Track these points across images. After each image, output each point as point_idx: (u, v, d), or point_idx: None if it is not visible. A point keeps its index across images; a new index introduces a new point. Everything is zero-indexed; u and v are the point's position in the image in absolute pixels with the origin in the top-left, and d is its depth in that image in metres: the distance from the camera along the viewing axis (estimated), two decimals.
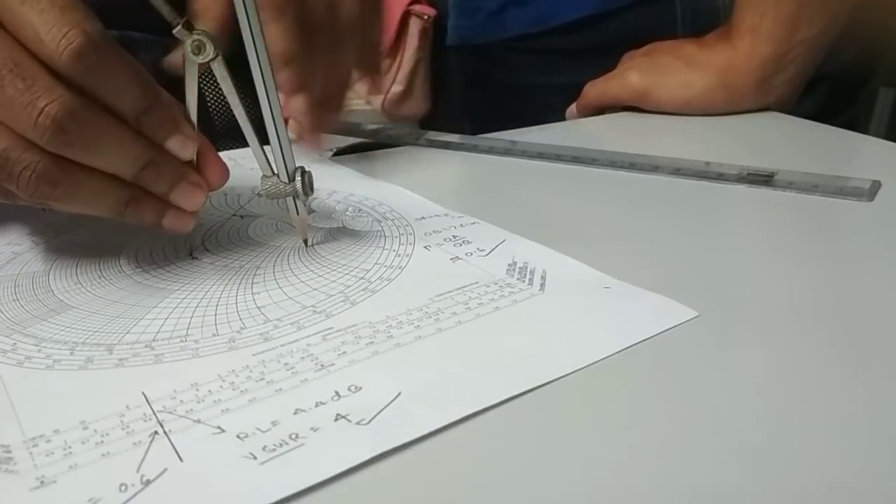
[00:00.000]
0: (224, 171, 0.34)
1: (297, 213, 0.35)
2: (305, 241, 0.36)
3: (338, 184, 0.44)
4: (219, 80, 0.32)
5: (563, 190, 0.43)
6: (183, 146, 0.32)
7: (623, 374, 0.25)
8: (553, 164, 0.47)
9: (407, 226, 0.38)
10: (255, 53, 0.31)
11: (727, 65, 0.54)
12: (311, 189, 0.35)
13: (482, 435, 0.23)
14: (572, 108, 0.61)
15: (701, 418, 0.23)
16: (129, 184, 0.31)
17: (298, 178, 0.34)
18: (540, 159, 0.47)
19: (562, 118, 0.62)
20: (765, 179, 0.42)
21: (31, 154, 0.28)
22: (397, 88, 1.65)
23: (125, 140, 0.30)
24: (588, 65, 0.61)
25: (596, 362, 0.26)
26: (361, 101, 1.77)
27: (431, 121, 1.69)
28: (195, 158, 0.33)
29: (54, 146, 0.28)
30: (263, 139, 0.33)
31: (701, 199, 0.41)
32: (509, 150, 0.49)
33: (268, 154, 0.34)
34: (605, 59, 0.60)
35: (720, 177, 0.43)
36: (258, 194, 0.34)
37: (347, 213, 0.40)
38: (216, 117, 0.58)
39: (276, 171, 0.34)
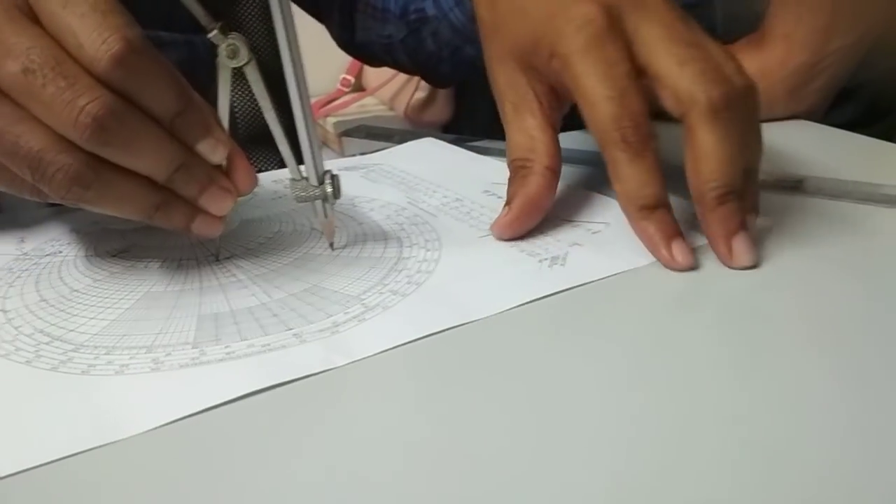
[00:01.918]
0: (252, 176, 0.35)
1: (325, 217, 0.37)
2: (332, 245, 0.38)
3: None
4: (251, 84, 0.33)
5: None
6: (214, 150, 0.33)
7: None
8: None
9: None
10: (288, 56, 0.32)
11: (759, 71, 0.54)
12: (339, 193, 0.36)
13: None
14: None
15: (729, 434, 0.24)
16: (160, 187, 0.32)
17: (328, 181, 0.36)
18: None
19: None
20: (794, 185, 0.43)
21: (65, 156, 0.30)
22: (420, 95, 1.67)
23: (160, 142, 0.31)
24: None
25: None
26: (384, 106, 1.79)
27: (454, 127, 1.70)
28: (224, 163, 0.34)
29: (92, 145, 0.30)
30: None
31: None
32: None
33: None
34: None
35: (762, 185, 0.43)
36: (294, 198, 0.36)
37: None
38: (240, 123, 0.60)
39: (304, 175, 0.36)
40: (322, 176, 0.35)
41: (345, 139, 0.79)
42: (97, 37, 0.29)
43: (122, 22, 0.29)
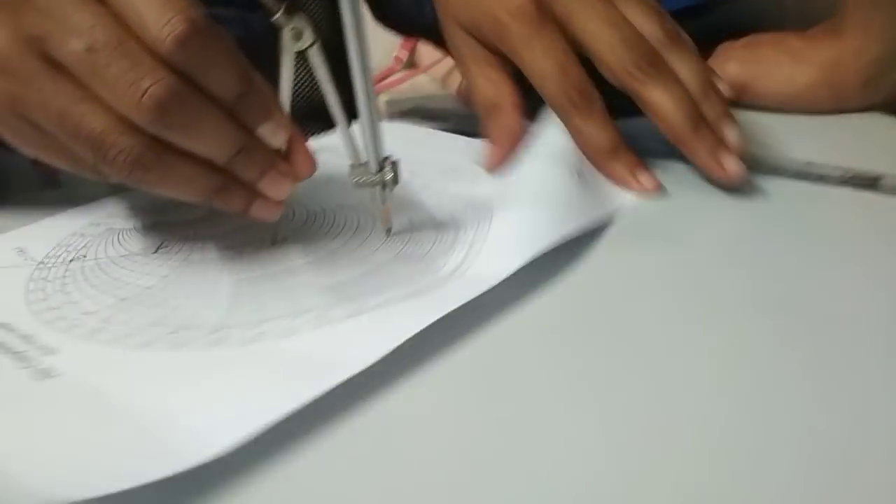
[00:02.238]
0: (312, 161, 0.35)
1: (383, 203, 0.36)
2: (388, 231, 0.37)
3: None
4: (314, 68, 0.33)
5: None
6: (274, 133, 0.33)
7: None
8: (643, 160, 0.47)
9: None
10: (354, 38, 0.32)
11: (834, 61, 0.52)
12: (398, 179, 0.36)
13: None
14: None
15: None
16: (220, 171, 0.32)
17: (388, 167, 0.35)
18: None
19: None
20: (870, 183, 0.41)
21: (126, 138, 0.30)
22: None
23: (222, 124, 0.31)
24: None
25: None
26: (437, 84, 1.78)
27: None
28: (284, 147, 0.34)
29: (155, 127, 0.30)
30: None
31: (799, 200, 0.40)
32: None
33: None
34: (703, 50, 0.59)
35: (821, 178, 0.42)
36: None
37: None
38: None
39: (363, 161, 0.35)
40: (382, 162, 0.35)
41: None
42: (161, 17, 0.29)
43: (186, 3, 0.29)
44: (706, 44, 0.60)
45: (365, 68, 0.33)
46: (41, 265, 0.36)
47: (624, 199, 0.40)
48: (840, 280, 0.32)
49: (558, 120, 0.42)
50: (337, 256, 0.35)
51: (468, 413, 0.25)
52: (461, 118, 0.55)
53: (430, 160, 0.47)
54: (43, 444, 0.23)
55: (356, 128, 0.34)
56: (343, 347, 0.27)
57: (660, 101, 0.40)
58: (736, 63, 0.55)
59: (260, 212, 0.34)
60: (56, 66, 0.30)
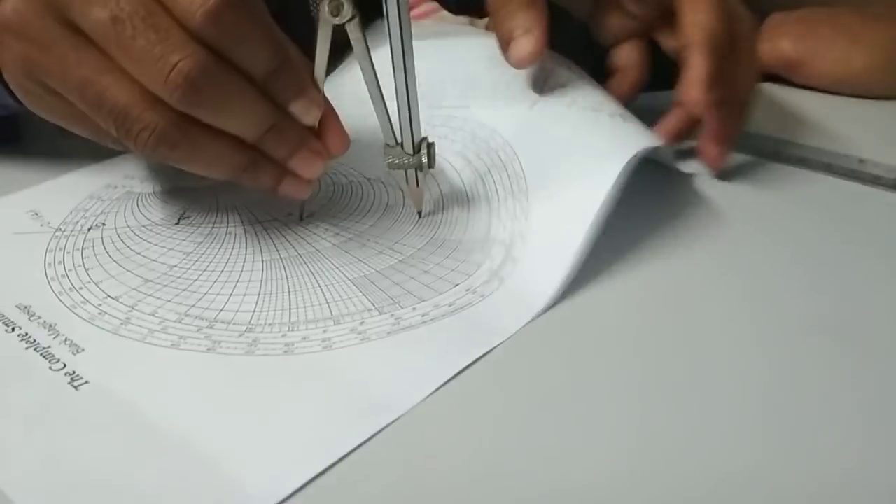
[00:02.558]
0: (345, 138, 0.33)
1: (417, 185, 0.35)
2: (420, 213, 0.36)
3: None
4: (352, 42, 0.31)
5: (691, 179, 0.41)
6: (307, 110, 0.31)
7: None
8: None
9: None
10: (396, 12, 0.30)
11: (894, 43, 0.50)
12: (434, 162, 0.34)
13: None
14: None
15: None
16: (249, 147, 0.31)
17: (424, 150, 0.34)
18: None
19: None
20: None
21: (151, 113, 0.28)
22: None
23: (253, 101, 0.30)
24: None
25: None
26: (465, 18, 1.73)
27: None
28: (316, 124, 0.32)
29: (183, 104, 0.28)
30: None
31: (848, 204, 0.38)
32: None
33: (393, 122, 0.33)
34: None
35: (875, 180, 0.40)
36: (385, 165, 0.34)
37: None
38: None
39: (399, 141, 0.34)
40: (419, 144, 0.33)
41: None
42: None
43: None
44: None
45: (405, 44, 0.31)
46: (58, 232, 0.34)
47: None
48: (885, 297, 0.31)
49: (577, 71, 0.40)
50: (366, 239, 0.34)
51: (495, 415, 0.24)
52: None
53: (450, 79, 0.43)
54: (80, 466, 0.22)
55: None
56: (390, 379, 0.26)
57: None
58: (790, 40, 0.52)
59: (290, 190, 0.33)
60: (78, 33, 0.28)
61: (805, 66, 0.52)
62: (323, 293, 0.30)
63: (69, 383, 0.25)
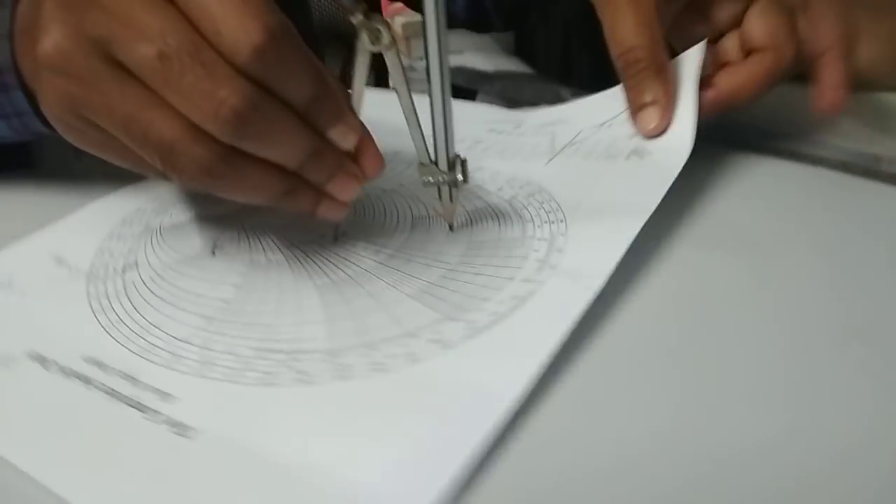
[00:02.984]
0: (380, 161, 0.34)
1: (451, 201, 0.36)
2: (451, 227, 0.37)
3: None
4: (390, 69, 0.32)
5: (705, 179, 0.41)
6: (345, 137, 0.32)
7: None
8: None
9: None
10: (435, 30, 0.31)
11: None
12: (468, 178, 0.35)
13: None
14: None
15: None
16: (289, 174, 0.32)
17: (458, 167, 0.35)
18: None
19: None
20: None
21: (197, 148, 0.29)
22: None
23: (296, 130, 0.30)
24: None
25: None
26: None
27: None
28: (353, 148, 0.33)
29: (231, 138, 0.29)
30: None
31: (864, 204, 0.39)
32: None
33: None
34: None
35: (893, 178, 0.40)
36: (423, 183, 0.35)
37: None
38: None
39: (433, 160, 0.35)
40: (452, 160, 0.35)
41: (414, 41, 0.75)
42: (237, 24, 0.27)
43: (264, 8, 0.28)
44: None
45: (442, 63, 0.32)
46: (92, 277, 0.34)
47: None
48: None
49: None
50: (407, 255, 0.35)
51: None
52: (506, 82, 0.53)
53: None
54: None
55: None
56: (488, 374, 0.27)
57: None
58: None
59: (327, 212, 0.34)
60: (122, 69, 0.28)
61: None
62: (388, 312, 0.31)
63: (175, 433, 0.25)
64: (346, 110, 0.32)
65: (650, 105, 0.40)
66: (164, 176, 0.31)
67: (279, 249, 0.36)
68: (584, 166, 0.40)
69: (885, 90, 0.53)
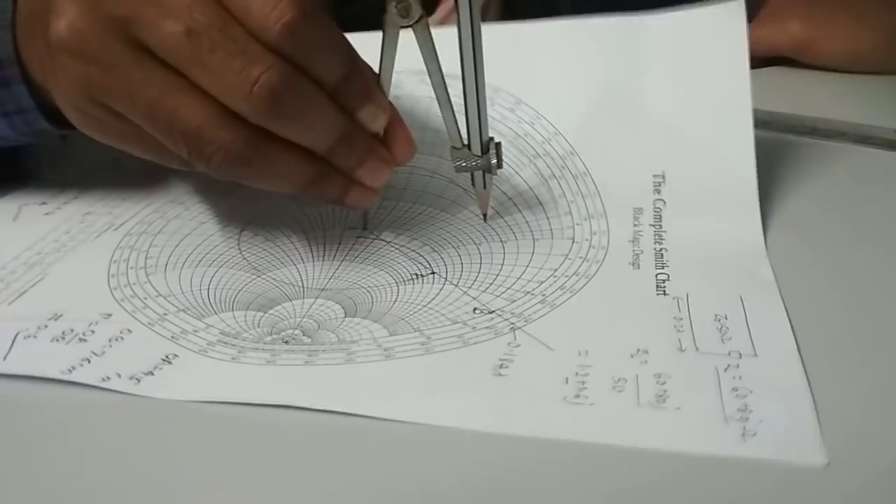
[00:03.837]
0: (412, 145, 0.33)
1: (484, 188, 0.35)
2: (485, 216, 0.36)
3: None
4: (419, 44, 0.31)
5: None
6: (374, 117, 0.31)
7: None
8: None
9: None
10: (468, 10, 0.30)
11: None
12: (502, 163, 0.34)
13: None
14: None
15: None
16: (318, 160, 0.30)
17: (492, 150, 0.33)
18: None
19: None
20: None
21: (225, 132, 0.28)
22: None
23: (327, 111, 0.29)
24: None
25: None
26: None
27: None
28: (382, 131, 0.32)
29: (265, 118, 0.28)
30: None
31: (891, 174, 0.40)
32: None
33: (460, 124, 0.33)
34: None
35: None
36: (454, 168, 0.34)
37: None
38: None
39: (465, 143, 0.33)
40: (486, 145, 0.33)
41: None
42: (266, 2, 0.26)
43: None
44: None
45: (476, 45, 0.31)
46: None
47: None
48: None
49: None
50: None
51: None
52: None
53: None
54: None
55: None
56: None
57: None
58: (798, 21, 0.54)
59: (357, 200, 0.32)
60: (143, 51, 0.27)
61: (815, 46, 0.53)
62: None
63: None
64: (375, 90, 0.31)
65: None
66: (189, 165, 0.30)
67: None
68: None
69: (887, 73, 0.53)
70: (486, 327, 0.28)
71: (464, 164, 0.34)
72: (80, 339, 0.28)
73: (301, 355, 0.27)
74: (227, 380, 0.26)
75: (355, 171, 0.31)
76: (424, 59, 0.31)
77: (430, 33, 0.31)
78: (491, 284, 0.31)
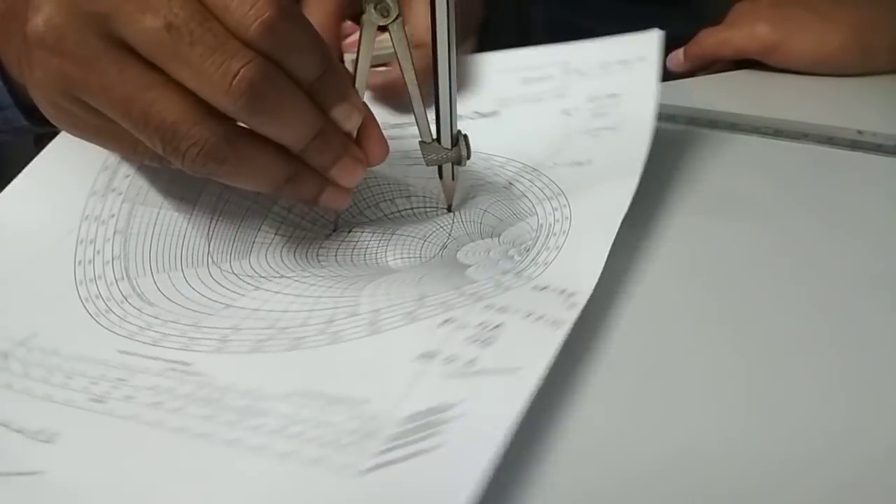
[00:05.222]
0: (384, 146, 0.34)
1: (452, 179, 0.37)
2: (449, 208, 0.38)
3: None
4: (394, 42, 0.33)
5: (702, 158, 0.43)
6: (349, 116, 0.32)
7: None
8: (684, 128, 0.48)
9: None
10: (445, 7, 0.32)
11: (864, 22, 0.54)
12: (470, 154, 0.36)
13: None
14: (678, 55, 0.61)
15: None
16: (293, 159, 0.31)
17: (462, 143, 0.36)
18: (669, 122, 0.48)
19: None
20: None
21: (201, 129, 0.28)
22: None
23: (304, 108, 0.30)
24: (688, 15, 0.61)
25: None
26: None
27: None
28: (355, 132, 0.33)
29: (244, 113, 0.28)
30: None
31: (853, 172, 0.41)
32: None
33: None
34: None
35: (878, 148, 0.43)
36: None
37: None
38: None
39: (434, 137, 0.35)
40: (455, 137, 0.36)
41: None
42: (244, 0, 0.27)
43: None
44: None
45: (451, 40, 0.33)
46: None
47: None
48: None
49: None
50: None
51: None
52: None
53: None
54: None
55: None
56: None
57: None
58: (765, 24, 0.56)
59: (330, 200, 0.34)
60: (121, 46, 0.28)
61: (782, 49, 0.55)
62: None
63: None
64: (350, 89, 0.32)
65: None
66: (163, 161, 0.31)
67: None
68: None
69: (853, 75, 0.55)
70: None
71: (434, 157, 0.36)
72: None
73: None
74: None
75: (329, 171, 0.32)
76: (399, 56, 0.33)
77: (405, 32, 0.33)
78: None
